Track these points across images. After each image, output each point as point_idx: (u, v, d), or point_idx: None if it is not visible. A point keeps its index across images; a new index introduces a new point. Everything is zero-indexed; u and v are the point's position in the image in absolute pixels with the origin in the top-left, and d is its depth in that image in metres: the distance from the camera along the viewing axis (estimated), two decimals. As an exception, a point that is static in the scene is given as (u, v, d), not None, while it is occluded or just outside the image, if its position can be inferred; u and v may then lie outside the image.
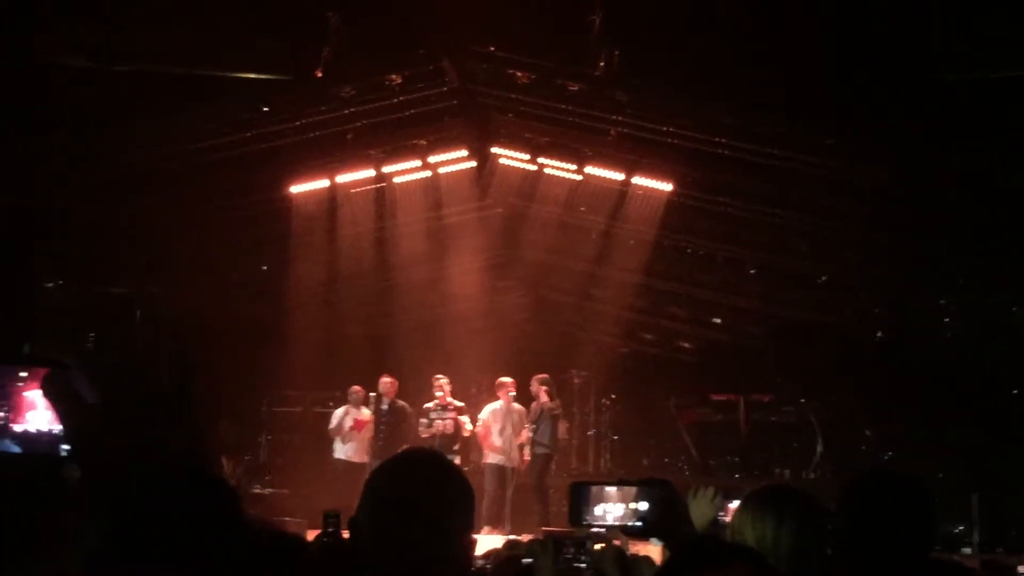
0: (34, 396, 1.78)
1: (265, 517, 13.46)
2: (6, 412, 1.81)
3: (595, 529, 3.20)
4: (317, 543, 5.47)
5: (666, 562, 2.77)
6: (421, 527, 2.24)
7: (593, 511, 3.12)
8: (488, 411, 15.35)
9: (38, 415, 1.80)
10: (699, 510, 3.83)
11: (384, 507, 2.28)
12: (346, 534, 5.66)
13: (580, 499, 3.15)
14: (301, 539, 3.05)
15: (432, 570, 2.24)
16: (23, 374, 1.81)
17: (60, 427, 1.78)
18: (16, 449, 1.83)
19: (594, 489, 3.15)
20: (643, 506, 3.03)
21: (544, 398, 15.27)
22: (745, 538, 3.40)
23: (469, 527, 2.38)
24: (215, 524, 1.61)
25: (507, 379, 15.41)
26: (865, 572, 3.41)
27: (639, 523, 3.05)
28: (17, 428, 1.82)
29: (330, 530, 5.57)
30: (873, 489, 3.56)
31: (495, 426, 15.16)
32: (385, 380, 15.65)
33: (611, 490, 3.12)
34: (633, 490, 3.07)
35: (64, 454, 1.80)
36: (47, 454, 1.83)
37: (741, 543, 3.25)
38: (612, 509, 3.10)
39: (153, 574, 1.53)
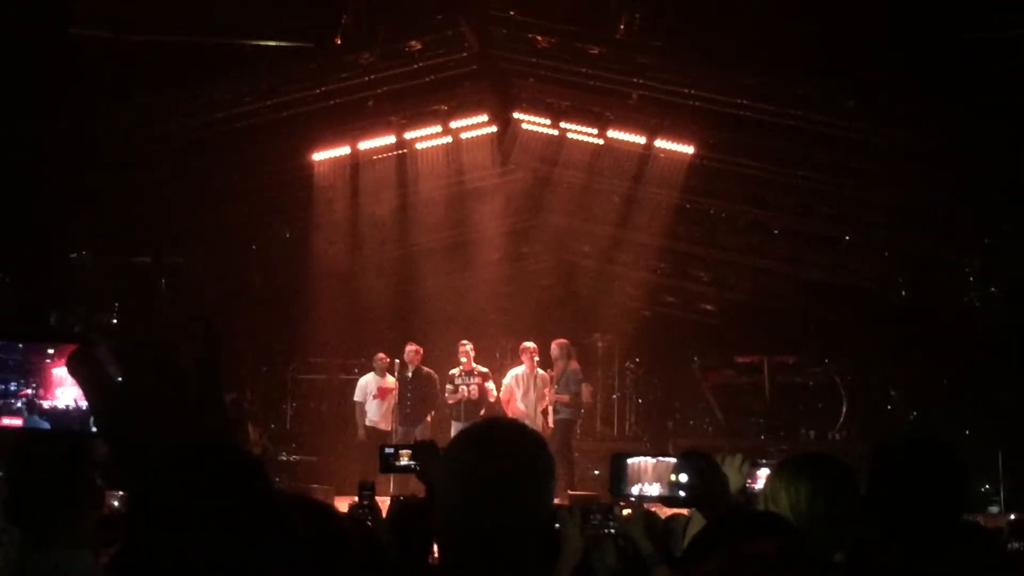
0: (62, 373, 1.78)
1: (292, 485, 13.61)
2: (35, 388, 1.82)
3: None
4: (352, 513, 5.52)
5: (702, 532, 2.77)
6: (511, 499, 2.24)
7: (633, 483, 3.13)
8: (512, 376, 15.35)
9: (66, 391, 1.80)
10: (728, 477, 3.82)
11: (472, 478, 2.27)
12: (382, 503, 5.76)
13: (620, 471, 3.16)
14: (333, 510, 3.06)
15: (517, 541, 2.25)
16: (51, 351, 1.81)
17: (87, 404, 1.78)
18: (45, 425, 1.84)
19: (634, 461, 3.15)
20: (683, 478, 3.05)
21: (561, 364, 15.23)
22: (779, 505, 3.39)
23: (552, 498, 2.39)
24: (244, 499, 1.61)
25: (530, 344, 15.38)
26: (895, 537, 3.40)
27: (680, 494, 3.07)
28: (46, 404, 1.82)
29: (365, 502, 5.62)
30: (905, 455, 3.54)
31: (518, 391, 15.16)
32: (410, 348, 15.65)
33: (651, 462, 3.14)
34: (673, 462, 3.08)
35: (93, 430, 1.81)
36: (76, 430, 1.84)
37: (775, 513, 3.23)
38: (653, 481, 3.11)
39: (184, 550, 1.54)
